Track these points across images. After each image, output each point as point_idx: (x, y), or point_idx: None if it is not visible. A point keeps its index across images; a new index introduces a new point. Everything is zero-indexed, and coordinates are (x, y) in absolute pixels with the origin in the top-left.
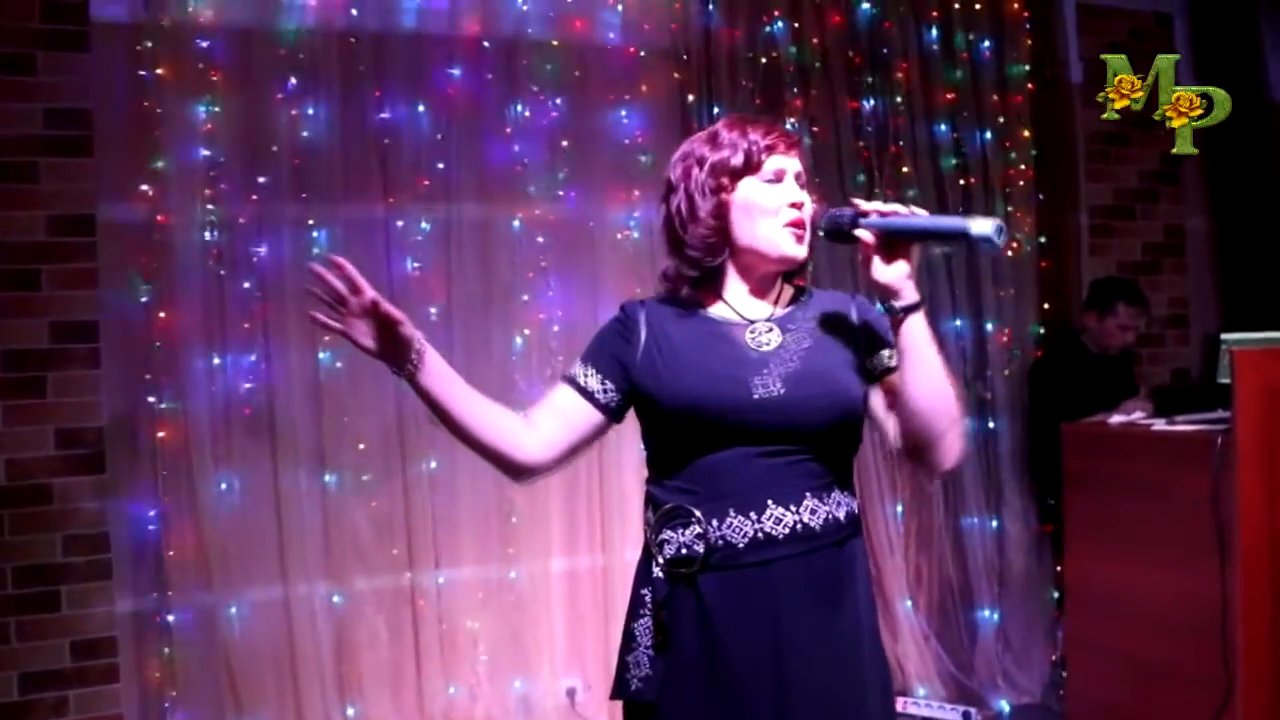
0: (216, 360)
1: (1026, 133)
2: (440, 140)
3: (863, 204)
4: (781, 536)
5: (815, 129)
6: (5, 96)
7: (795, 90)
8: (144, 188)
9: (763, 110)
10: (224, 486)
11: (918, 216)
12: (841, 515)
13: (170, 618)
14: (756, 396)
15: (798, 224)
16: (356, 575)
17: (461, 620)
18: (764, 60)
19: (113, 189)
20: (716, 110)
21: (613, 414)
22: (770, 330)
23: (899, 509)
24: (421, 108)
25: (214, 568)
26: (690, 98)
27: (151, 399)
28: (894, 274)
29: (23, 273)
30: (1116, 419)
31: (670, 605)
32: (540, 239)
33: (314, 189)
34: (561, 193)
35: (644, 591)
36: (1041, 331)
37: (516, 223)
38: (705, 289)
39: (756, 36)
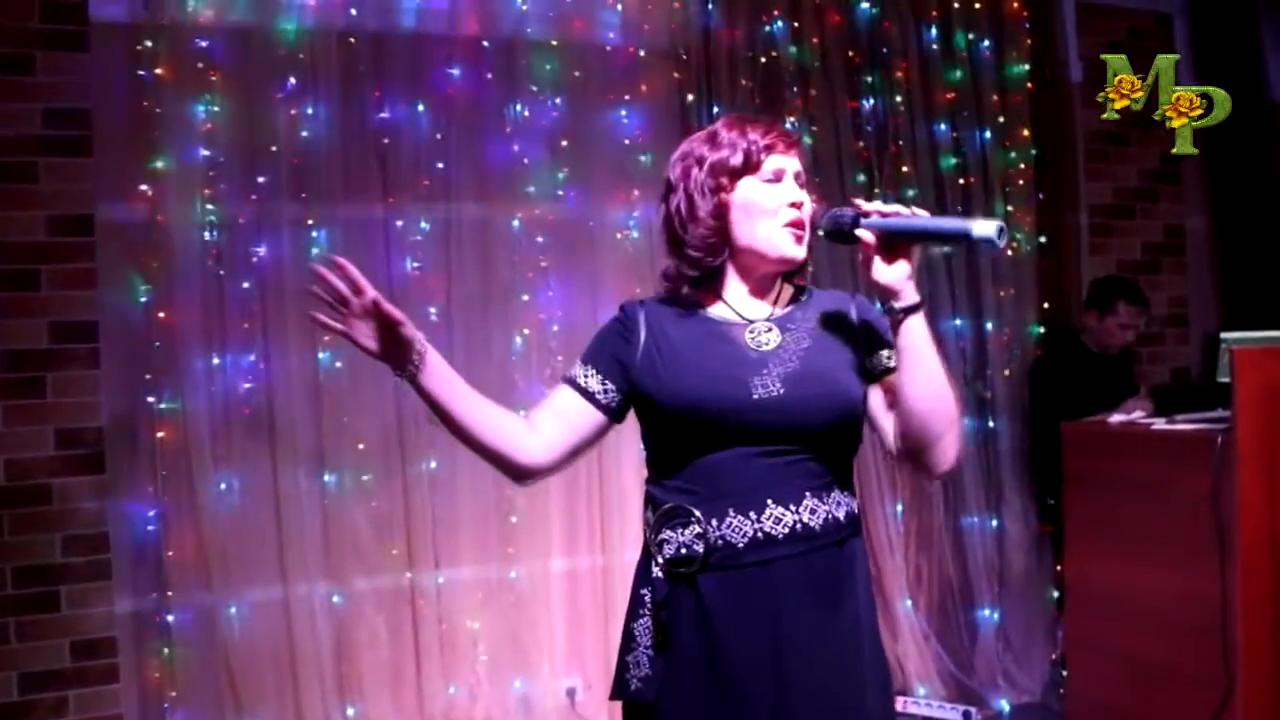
0: (216, 360)
1: (1026, 132)
2: (440, 140)
3: (864, 204)
4: (781, 536)
5: (815, 129)
6: (4, 96)
7: (795, 90)
8: (143, 188)
9: (762, 110)
10: (224, 486)
11: (919, 217)
12: (841, 515)
13: (170, 618)
14: (756, 396)
15: (797, 224)
16: (356, 575)
17: (461, 620)
18: (764, 60)
19: (112, 189)
20: (716, 110)
21: (613, 414)
22: (770, 330)
23: (899, 509)
24: (421, 107)
25: (214, 568)
26: (690, 97)
27: (151, 399)
28: (894, 275)
29: (22, 273)
30: (1116, 418)
31: (670, 605)
32: (540, 239)
33: (313, 189)
34: (561, 193)
35: (644, 591)
36: (1041, 331)
37: (516, 222)
38: (705, 289)
39: (756, 36)
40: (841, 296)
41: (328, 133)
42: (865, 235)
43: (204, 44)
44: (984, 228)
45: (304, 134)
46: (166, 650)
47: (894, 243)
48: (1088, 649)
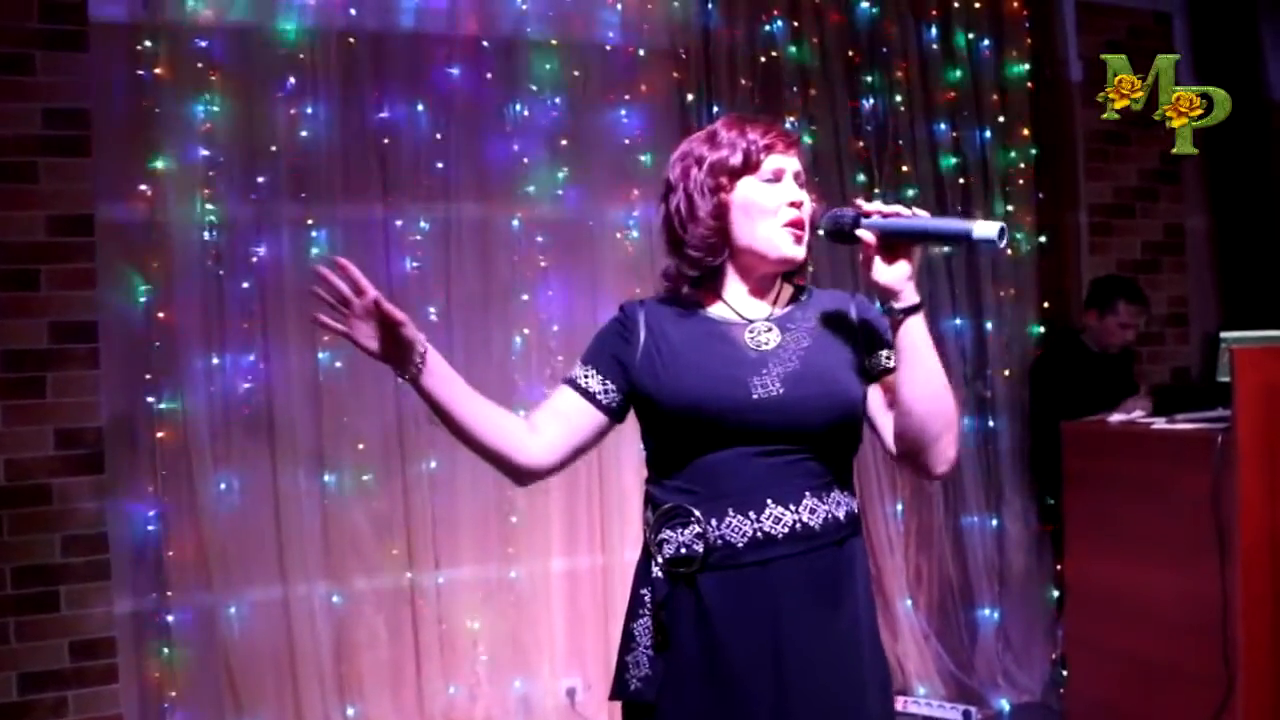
0: (215, 360)
1: (1026, 132)
2: (439, 140)
3: (864, 204)
4: (781, 536)
5: (815, 128)
6: (4, 96)
7: (795, 90)
8: (143, 188)
9: (762, 110)
10: (223, 486)
11: (920, 218)
12: (841, 515)
13: (170, 618)
14: (755, 396)
15: (797, 224)
16: (356, 575)
17: (461, 620)
18: (763, 60)
19: (111, 189)
20: (716, 110)
21: (614, 415)
22: (769, 330)
23: (899, 508)
24: (421, 107)
25: (213, 568)
26: (690, 97)
27: (151, 399)
28: (895, 275)
29: (22, 273)
30: (1116, 418)
31: (670, 605)
32: (540, 238)
33: (313, 189)
34: (561, 192)
35: (643, 591)
36: (1041, 330)
37: (516, 222)
38: (705, 289)
39: (756, 36)
40: (841, 296)
41: (327, 133)
42: (865, 235)
43: (203, 44)
44: (985, 229)
45: (303, 134)
46: (166, 650)
47: (894, 243)
48: (1088, 648)
